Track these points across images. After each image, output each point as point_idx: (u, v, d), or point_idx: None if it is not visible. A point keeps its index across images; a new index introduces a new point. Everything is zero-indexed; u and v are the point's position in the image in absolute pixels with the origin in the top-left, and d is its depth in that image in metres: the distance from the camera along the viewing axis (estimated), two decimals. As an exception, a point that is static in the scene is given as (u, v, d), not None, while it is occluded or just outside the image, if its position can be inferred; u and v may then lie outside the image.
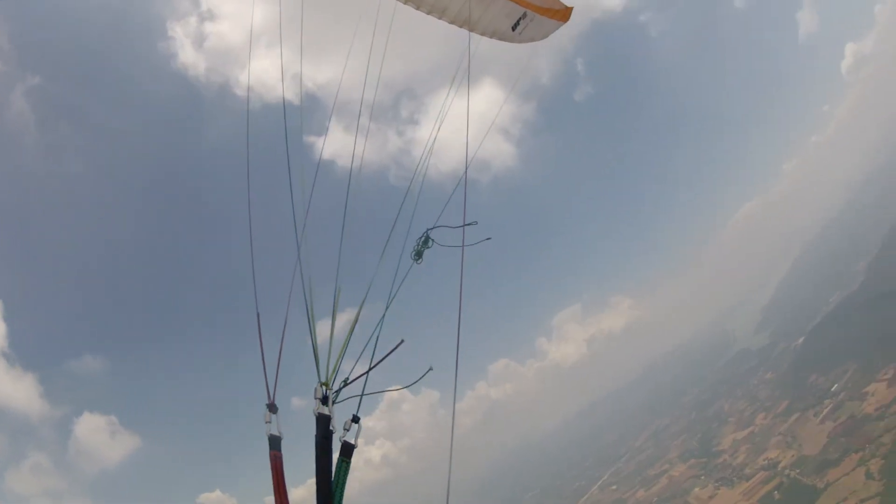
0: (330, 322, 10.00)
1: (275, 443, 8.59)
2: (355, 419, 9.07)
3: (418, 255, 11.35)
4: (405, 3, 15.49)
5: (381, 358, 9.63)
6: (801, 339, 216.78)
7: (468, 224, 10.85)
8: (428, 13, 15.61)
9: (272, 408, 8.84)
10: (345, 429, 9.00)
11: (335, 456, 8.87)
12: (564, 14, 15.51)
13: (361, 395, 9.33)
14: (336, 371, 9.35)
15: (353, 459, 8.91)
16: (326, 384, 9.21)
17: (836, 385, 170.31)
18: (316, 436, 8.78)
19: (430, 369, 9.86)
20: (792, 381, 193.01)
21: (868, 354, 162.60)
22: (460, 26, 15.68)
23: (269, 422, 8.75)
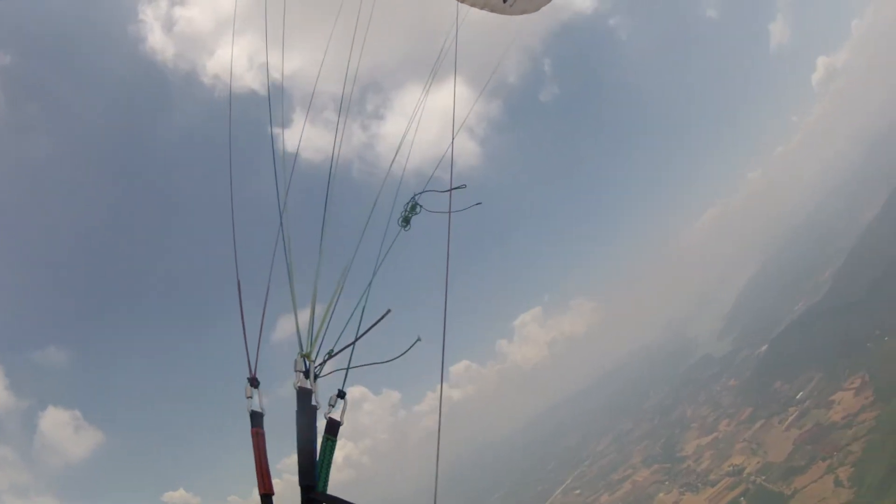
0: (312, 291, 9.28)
1: (256, 419, 7.90)
2: (341, 394, 8.47)
3: (405, 221, 10.93)
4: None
5: (367, 328, 9.14)
6: (764, 347, 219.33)
7: (456, 188, 10.56)
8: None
9: (254, 381, 8.19)
10: (330, 404, 8.33)
11: (320, 434, 8.13)
12: (553, -16, 13.70)
13: (347, 369, 8.83)
14: (320, 342, 8.70)
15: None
16: (308, 356, 8.54)
17: (801, 393, 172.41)
18: (297, 411, 8.10)
19: (419, 339, 9.36)
20: (756, 388, 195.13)
21: (833, 363, 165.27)
22: (449, -2, 13.85)
23: (251, 397, 8.07)
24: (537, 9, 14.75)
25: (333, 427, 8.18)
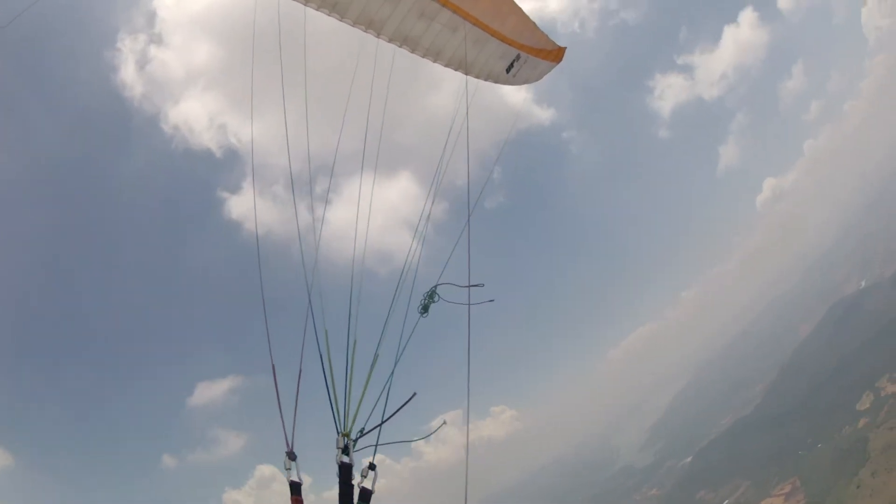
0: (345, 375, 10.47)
1: (295, 488, 9.29)
2: (372, 466, 9.64)
3: (425, 309, 11.66)
4: (400, 47, 15.91)
5: (394, 411, 10.17)
6: (689, 458, 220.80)
7: (474, 285, 11.43)
8: (423, 56, 16.19)
9: (291, 455, 9.52)
10: (362, 475, 9.61)
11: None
12: (557, 55, 16.32)
13: (376, 446, 9.90)
14: (354, 422, 9.96)
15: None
16: (347, 434, 9.81)
17: (726, 501, 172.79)
18: (339, 483, 9.42)
19: (444, 423, 10.68)
20: (678, 498, 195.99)
21: (762, 471, 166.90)
22: (455, 69, 16.25)
23: (290, 468, 9.45)
24: (539, 78, 17.00)
25: (366, 495, 9.57)
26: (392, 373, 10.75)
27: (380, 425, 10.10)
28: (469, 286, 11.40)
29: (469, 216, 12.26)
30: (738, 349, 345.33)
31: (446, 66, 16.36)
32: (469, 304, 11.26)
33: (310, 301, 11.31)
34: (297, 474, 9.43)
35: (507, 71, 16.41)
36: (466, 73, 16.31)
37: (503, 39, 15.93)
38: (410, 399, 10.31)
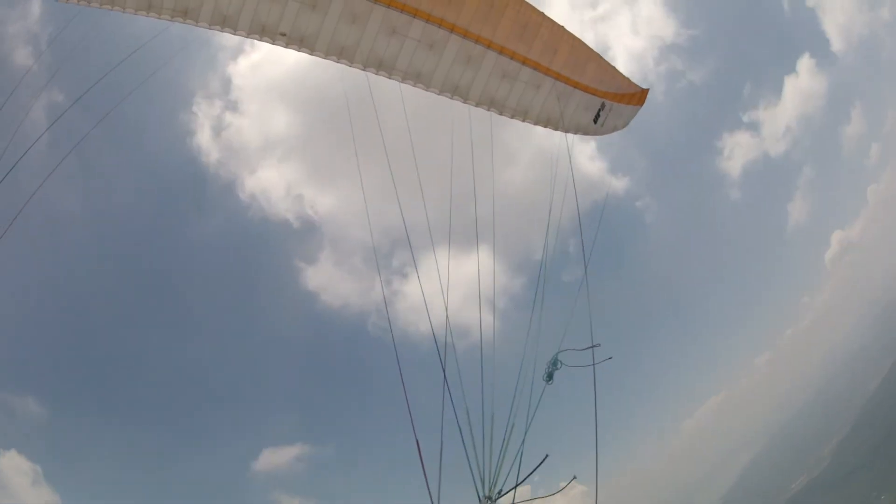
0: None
1: None
2: None
3: (549, 376, 12.01)
4: (488, 109, 16.21)
5: (528, 472, 10.50)
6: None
7: (593, 346, 11.84)
8: (511, 117, 16.42)
9: None
10: None
11: None
12: (640, 98, 16.58)
13: None
14: (494, 486, 10.38)
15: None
16: (490, 497, 10.30)
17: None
18: None
19: (574, 478, 10.42)
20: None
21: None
22: (544, 126, 16.49)
23: None
24: (626, 125, 17.23)
25: None
26: (523, 440, 11.02)
27: (515, 487, 10.39)
28: (591, 346, 11.85)
29: (585, 276, 13.35)
30: (809, 412, 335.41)
31: (535, 123, 16.69)
32: (594, 364, 11.74)
33: (445, 376, 11.92)
34: None
35: (595, 121, 16.65)
36: (555, 129, 16.57)
37: (586, 90, 16.25)
38: (543, 461, 10.57)
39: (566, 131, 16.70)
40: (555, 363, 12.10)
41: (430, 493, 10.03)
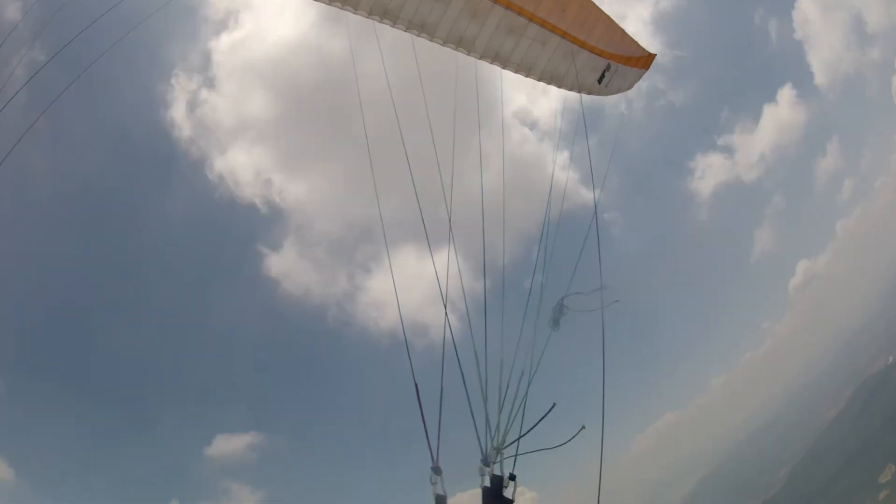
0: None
1: (441, 501, 9.60)
2: (512, 477, 9.95)
3: (555, 322, 11.93)
4: (492, 63, 16.03)
5: (535, 423, 10.32)
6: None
7: (598, 289, 11.98)
8: (515, 72, 16.24)
9: (437, 470, 9.67)
10: (503, 486, 9.79)
11: None
12: (646, 62, 16.51)
13: (515, 455, 10.10)
14: (503, 436, 10.16)
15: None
16: (497, 448, 10.06)
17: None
18: (487, 494, 9.72)
19: (583, 427, 10.52)
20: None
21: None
22: (548, 82, 16.33)
23: (435, 483, 9.62)
24: (630, 87, 17.08)
25: None
26: (528, 387, 10.79)
27: (519, 438, 10.21)
28: (598, 289, 11.90)
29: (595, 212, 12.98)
30: (763, 437, 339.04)
31: (539, 79, 16.53)
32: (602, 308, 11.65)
33: (446, 319, 11.38)
34: (443, 488, 9.59)
35: (599, 82, 16.55)
36: (559, 86, 16.42)
37: (592, 50, 16.14)
38: (550, 410, 10.36)
39: (570, 89, 16.57)
40: (560, 308, 12.00)
41: (429, 444, 9.77)
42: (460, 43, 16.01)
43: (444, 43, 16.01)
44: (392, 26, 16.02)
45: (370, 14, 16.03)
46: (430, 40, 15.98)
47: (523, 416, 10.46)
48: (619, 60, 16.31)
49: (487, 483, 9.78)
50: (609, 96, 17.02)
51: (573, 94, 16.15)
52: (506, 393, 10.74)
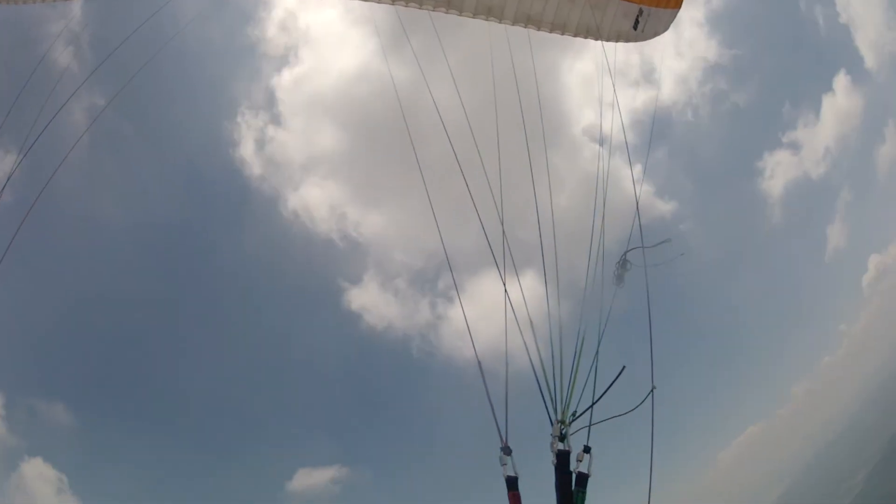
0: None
1: (512, 483, 9.07)
2: (587, 449, 9.41)
3: (619, 278, 11.87)
4: (526, 27, 16.05)
5: (605, 388, 9.92)
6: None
7: (662, 242, 11.44)
8: (550, 32, 16.20)
9: (506, 450, 9.26)
10: (577, 460, 9.34)
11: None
12: (678, 1, 16.11)
13: (589, 426, 9.66)
14: (568, 408, 9.77)
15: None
16: (563, 421, 9.63)
17: None
18: (556, 471, 9.22)
19: (654, 388, 9.95)
20: None
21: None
22: (585, 37, 16.24)
23: (505, 464, 9.18)
24: (666, 28, 16.79)
25: (583, 480, 9.30)
26: (597, 352, 10.55)
27: (592, 405, 9.85)
28: (662, 242, 11.39)
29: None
30: (842, 441, 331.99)
31: (574, 35, 16.48)
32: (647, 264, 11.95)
33: (506, 292, 10.97)
34: (514, 469, 9.24)
35: (635, 28, 16.41)
36: (596, 39, 16.38)
37: (621, -2, 15.95)
38: (620, 373, 10.05)
39: (608, 40, 16.49)
40: (623, 264, 11.94)
41: (497, 423, 9.50)
42: (490, 12, 16.00)
43: (474, 15, 15.98)
44: (419, 8, 16.09)
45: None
46: (459, 15, 16.03)
47: (595, 382, 10.19)
48: (650, 4, 16.17)
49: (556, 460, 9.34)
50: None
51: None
52: (575, 360, 10.45)
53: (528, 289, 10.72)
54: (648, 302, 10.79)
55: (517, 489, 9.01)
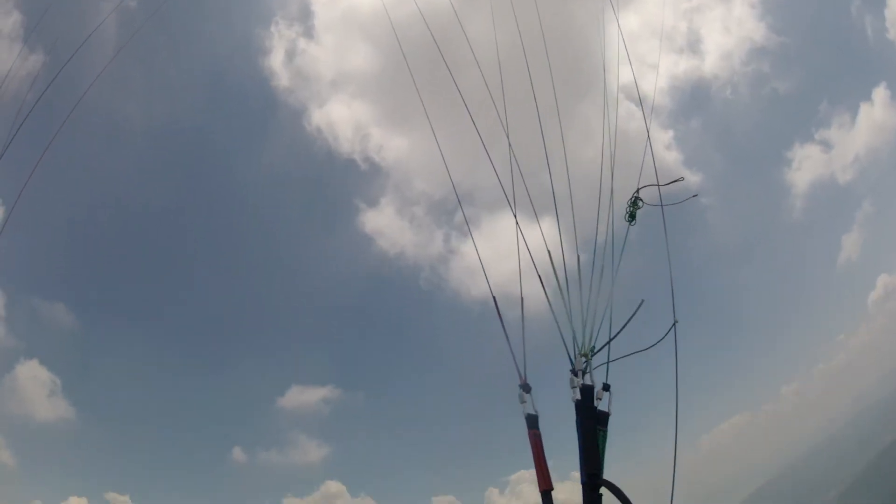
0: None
1: (532, 422, 8.71)
2: (606, 387, 9.09)
3: (631, 216, 11.37)
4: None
5: (624, 323, 9.57)
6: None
7: (675, 181, 11.28)
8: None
9: (525, 387, 8.94)
10: (597, 398, 8.97)
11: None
12: None
13: (608, 363, 9.28)
14: (589, 340, 9.38)
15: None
16: (585, 354, 9.25)
17: None
18: (577, 408, 8.81)
19: (676, 322, 9.64)
20: None
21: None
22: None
23: (525, 402, 8.84)
24: None
25: (603, 419, 8.89)
26: (612, 285, 10.03)
27: (610, 341, 9.38)
28: (675, 181, 11.34)
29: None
30: (822, 454, 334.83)
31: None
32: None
33: (517, 224, 10.15)
34: (533, 406, 8.73)
35: None
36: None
37: None
38: (639, 307, 9.65)
39: None
40: (635, 202, 11.39)
41: (514, 357, 9.03)
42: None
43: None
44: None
45: None
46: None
47: (611, 318, 9.58)
48: None
49: (578, 396, 8.80)
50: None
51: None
52: (591, 283, 9.91)
53: (543, 234, 10.17)
54: (666, 234, 10.49)
55: (538, 427, 8.63)
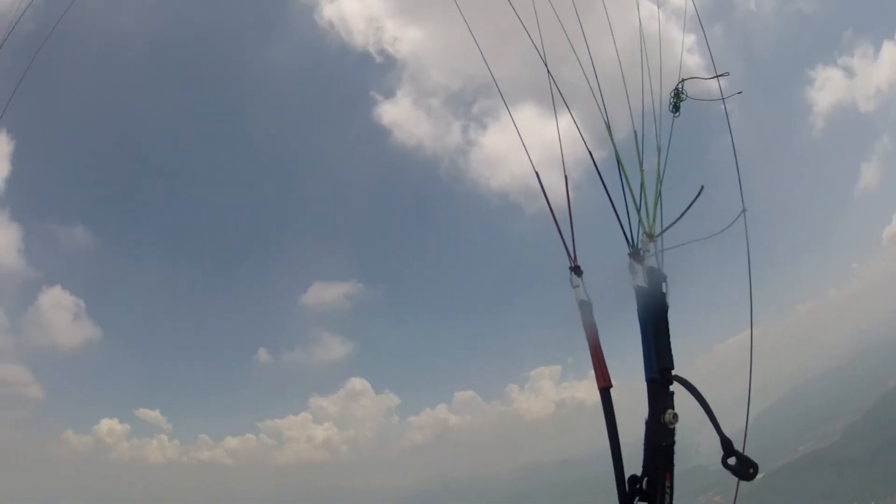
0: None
1: (586, 310, 7.29)
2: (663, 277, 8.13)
3: (675, 108, 10.19)
4: None
5: (685, 209, 7.93)
6: (760, 476, 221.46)
7: (720, 75, 10.27)
8: None
9: (577, 270, 7.57)
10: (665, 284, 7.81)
11: None
12: None
13: (661, 251, 7.69)
14: (652, 219, 7.89)
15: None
16: (650, 235, 7.76)
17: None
18: (643, 294, 7.28)
19: (745, 210, 8.36)
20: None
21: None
22: None
23: (577, 286, 7.51)
24: None
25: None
26: (663, 170, 8.14)
27: (670, 226, 7.70)
28: (718, 76, 10.06)
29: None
30: (827, 382, 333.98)
31: None
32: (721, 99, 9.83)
33: (557, 90, 8.49)
34: (586, 293, 7.41)
35: None
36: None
37: None
38: (700, 193, 8.02)
39: None
40: (678, 94, 10.27)
41: (562, 238, 7.58)
42: None
43: None
44: None
45: None
46: None
47: (660, 202, 7.92)
48: None
49: (641, 281, 7.39)
50: None
51: None
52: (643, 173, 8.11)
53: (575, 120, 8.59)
54: (728, 123, 9.34)
55: (592, 316, 7.18)
